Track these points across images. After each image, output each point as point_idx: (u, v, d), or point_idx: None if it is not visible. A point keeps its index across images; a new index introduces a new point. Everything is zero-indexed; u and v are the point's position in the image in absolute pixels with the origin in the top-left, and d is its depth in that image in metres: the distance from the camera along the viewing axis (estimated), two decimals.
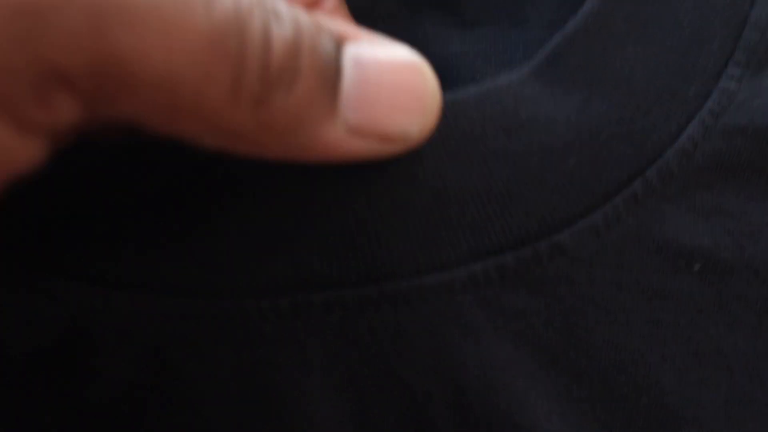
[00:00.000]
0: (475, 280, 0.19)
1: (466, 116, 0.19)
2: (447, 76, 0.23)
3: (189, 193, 0.19)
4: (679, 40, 0.21)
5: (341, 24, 0.18)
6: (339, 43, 0.17)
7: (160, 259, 0.19)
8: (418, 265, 0.19)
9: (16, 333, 0.19)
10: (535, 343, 0.20)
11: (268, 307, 0.19)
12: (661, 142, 0.21)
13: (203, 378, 0.19)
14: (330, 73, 0.16)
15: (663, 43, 0.21)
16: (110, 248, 0.19)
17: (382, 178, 0.19)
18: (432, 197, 0.19)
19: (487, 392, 0.19)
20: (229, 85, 0.15)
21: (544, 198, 0.20)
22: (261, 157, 0.17)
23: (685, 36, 0.22)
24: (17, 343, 0.19)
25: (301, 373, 0.19)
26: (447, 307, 0.19)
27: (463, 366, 0.19)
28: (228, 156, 0.17)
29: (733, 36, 0.22)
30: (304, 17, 0.16)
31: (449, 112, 0.19)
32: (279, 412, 0.19)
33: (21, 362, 0.19)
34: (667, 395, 0.21)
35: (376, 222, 0.19)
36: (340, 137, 0.16)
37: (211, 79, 0.15)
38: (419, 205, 0.19)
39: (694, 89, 0.21)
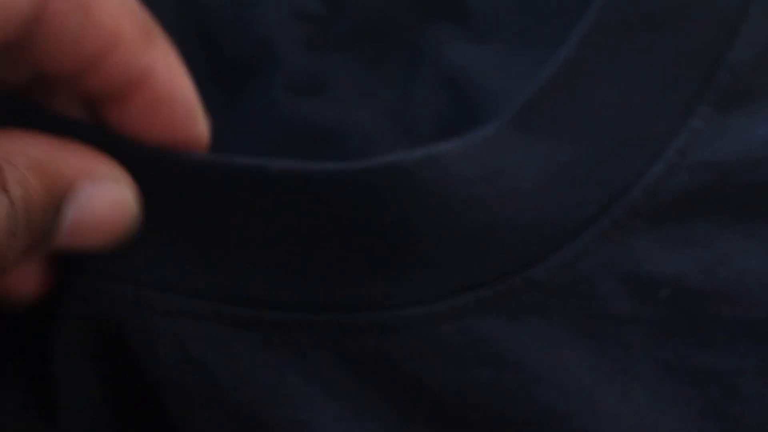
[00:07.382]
0: (456, 312, 0.21)
1: (454, 167, 0.22)
2: (462, 86, 0.25)
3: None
4: (653, 80, 0.23)
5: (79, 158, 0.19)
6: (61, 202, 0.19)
7: (189, 264, 0.21)
8: (404, 299, 0.21)
9: (60, 334, 0.22)
10: (515, 365, 0.22)
11: (278, 318, 0.21)
12: (627, 182, 0.22)
13: (223, 374, 0.21)
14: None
15: (637, 83, 0.23)
16: (143, 251, 0.21)
17: (384, 221, 0.21)
18: (422, 239, 0.21)
19: (468, 411, 0.21)
20: None
21: (518, 237, 0.22)
22: None
23: (660, 76, 0.23)
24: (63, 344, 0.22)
25: (304, 380, 0.21)
26: (430, 335, 0.21)
27: (445, 388, 0.21)
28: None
29: (706, 77, 0.23)
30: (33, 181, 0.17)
31: (442, 164, 0.22)
32: (280, 411, 0.22)
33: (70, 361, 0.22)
34: (641, 411, 0.22)
35: (374, 260, 0.21)
36: None
37: None
38: (411, 247, 0.21)
39: (662, 129, 0.23)
